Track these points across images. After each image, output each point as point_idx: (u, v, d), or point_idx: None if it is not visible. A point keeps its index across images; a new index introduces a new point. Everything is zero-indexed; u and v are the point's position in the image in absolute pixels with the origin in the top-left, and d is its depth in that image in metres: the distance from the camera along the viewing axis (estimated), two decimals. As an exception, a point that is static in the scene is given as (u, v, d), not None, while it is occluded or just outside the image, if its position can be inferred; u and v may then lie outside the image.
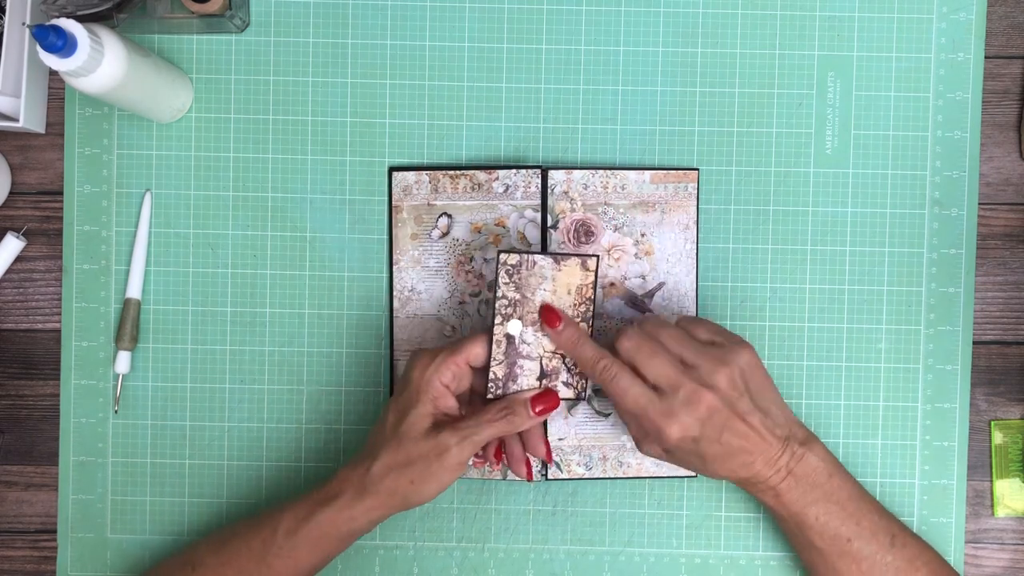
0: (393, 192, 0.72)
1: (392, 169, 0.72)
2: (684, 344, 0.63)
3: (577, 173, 0.71)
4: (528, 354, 0.65)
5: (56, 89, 0.73)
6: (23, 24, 0.69)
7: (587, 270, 0.65)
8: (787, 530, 0.66)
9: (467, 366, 0.64)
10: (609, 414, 0.72)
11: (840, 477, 0.65)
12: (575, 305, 0.65)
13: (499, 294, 0.64)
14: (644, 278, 0.72)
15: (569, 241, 0.71)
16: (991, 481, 0.73)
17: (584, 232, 0.72)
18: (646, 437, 0.64)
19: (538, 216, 0.72)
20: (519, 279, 0.65)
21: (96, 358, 0.73)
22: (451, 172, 0.72)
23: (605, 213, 0.71)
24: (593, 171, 0.71)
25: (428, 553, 0.73)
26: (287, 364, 0.73)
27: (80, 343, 0.73)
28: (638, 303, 0.71)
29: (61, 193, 0.73)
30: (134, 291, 0.72)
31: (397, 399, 0.65)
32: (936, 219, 0.72)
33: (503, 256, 0.64)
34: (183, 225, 0.73)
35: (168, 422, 0.73)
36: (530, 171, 0.72)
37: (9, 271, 0.73)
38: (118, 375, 0.72)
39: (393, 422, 0.64)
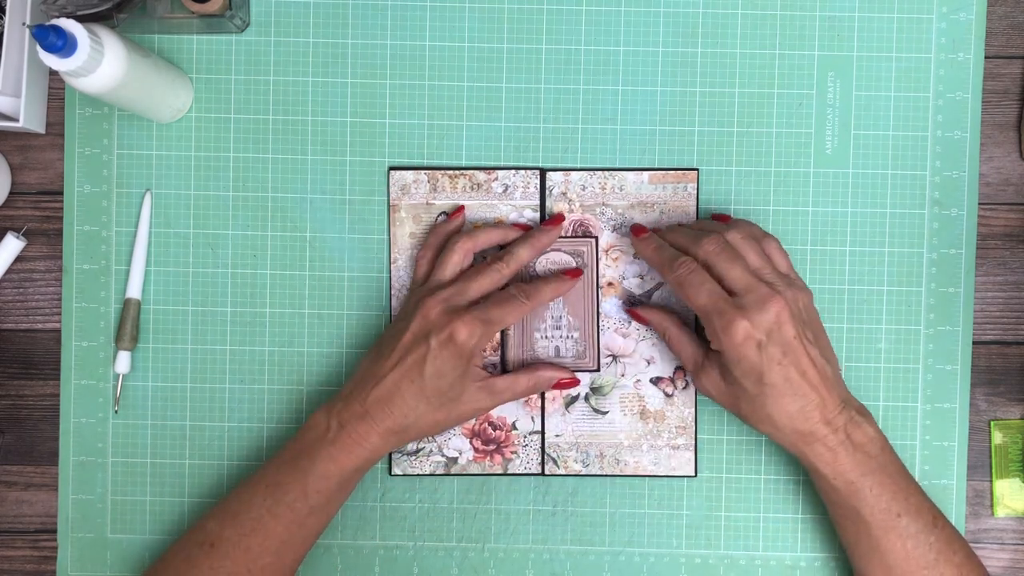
0: (391, 191, 0.72)
1: (391, 168, 0.72)
2: (761, 261, 0.65)
3: (575, 174, 0.71)
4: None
5: (56, 89, 0.73)
6: (23, 24, 0.69)
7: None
8: (835, 499, 0.65)
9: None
10: (607, 412, 0.72)
11: (891, 452, 0.65)
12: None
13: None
14: (642, 278, 0.72)
15: None
16: (991, 481, 0.73)
17: (582, 233, 0.72)
18: (714, 336, 0.64)
19: (537, 216, 0.72)
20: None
21: (96, 358, 0.73)
22: (450, 172, 0.72)
23: (603, 214, 0.72)
24: (591, 172, 0.71)
25: (428, 553, 0.73)
26: (287, 364, 0.73)
27: (80, 343, 0.73)
28: (636, 303, 0.72)
29: (61, 193, 0.73)
30: (134, 291, 0.72)
31: (439, 354, 0.65)
32: (936, 219, 0.72)
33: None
34: (183, 225, 0.73)
35: (168, 422, 0.73)
36: (529, 171, 0.72)
37: (9, 271, 0.73)
38: (118, 375, 0.72)
39: (433, 374, 0.65)
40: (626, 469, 0.72)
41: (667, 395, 0.72)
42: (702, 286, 0.64)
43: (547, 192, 0.71)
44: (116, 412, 0.73)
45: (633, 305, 0.71)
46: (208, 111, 0.73)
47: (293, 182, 0.73)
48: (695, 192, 0.72)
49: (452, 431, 0.72)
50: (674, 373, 0.72)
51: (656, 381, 0.72)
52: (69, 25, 0.58)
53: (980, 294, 0.73)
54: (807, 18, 0.72)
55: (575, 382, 0.70)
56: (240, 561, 0.65)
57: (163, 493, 0.73)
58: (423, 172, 0.72)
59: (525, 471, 0.72)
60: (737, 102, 0.72)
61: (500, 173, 0.72)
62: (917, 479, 0.72)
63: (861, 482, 0.64)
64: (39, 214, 0.74)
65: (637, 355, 0.72)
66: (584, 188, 0.71)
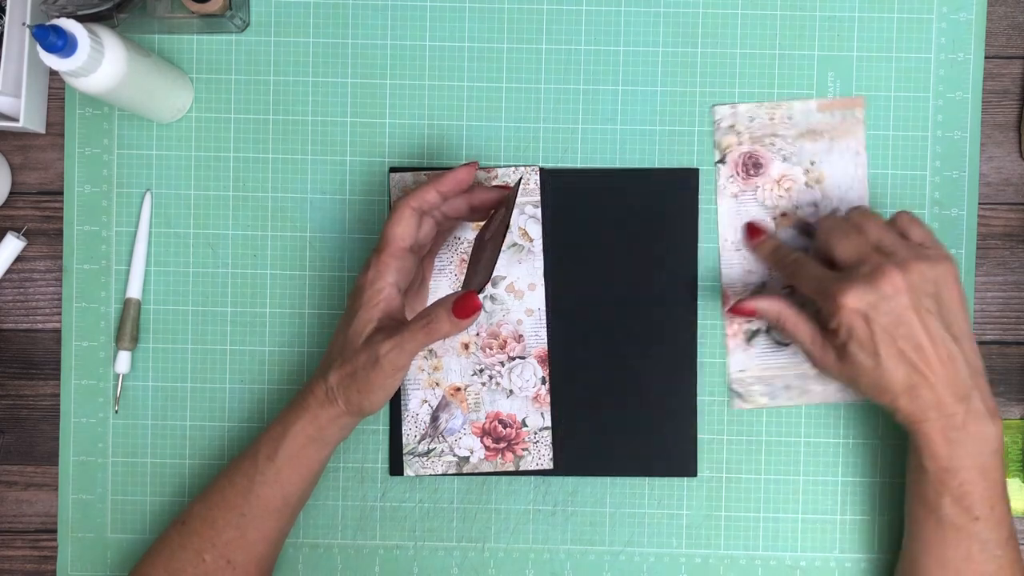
0: (392, 193, 0.72)
1: (391, 170, 0.72)
2: (885, 232, 0.63)
3: (742, 106, 0.71)
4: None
5: (56, 89, 0.73)
6: (23, 24, 0.69)
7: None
8: (920, 480, 0.63)
9: (409, 254, 0.64)
10: (788, 343, 0.71)
11: (1000, 460, 0.62)
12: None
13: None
14: (816, 206, 0.71)
15: (738, 174, 0.72)
16: (991, 481, 0.73)
17: (752, 164, 0.71)
18: (825, 314, 0.63)
19: (538, 212, 0.72)
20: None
21: (96, 358, 0.73)
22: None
23: (773, 144, 0.71)
24: (759, 104, 0.71)
25: (428, 553, 0.73)
26: (287, 364, 0.73)
27: (80, 343, 0.73)
28: (811, 231, 0.71)
29: (61, 193, 0.73)
30: (134, 291, 0.72)
31: (347, 308, 0.65)
32: (936, 219, 0.72)
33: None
34: (183, 225, 0.73)
35: (168, 422, 0.73)
36: (528, 168, 0.72)
37: (9, 271, 0.73)
38: (118, 375, 0.72)
39: (340, 328, 0.64)
40: (814, 398, 0.71)
41: None
42: (810, 269, 0.64)
43: (715, 126, 0.71)
44: (116, 412, 0.73)
45: (807, 234, 0.71)
46: (208, 111, 0.73)
47: (293, 182, 0.73)
48: (863, 118, 0.71)
49: (463, 431, 0.72)
50: None
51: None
52: (69, 25, 0.58)
53: (980, 294, 0.73)
54: (807, 18, 0.72)
55: (476, 304, 0.60)
56: (206, 536, 0.65)
57: (163, 493, 0.73)
58: (423, 173, 0.72)
59: (537, 467, 0.72)
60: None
61: (500, 171, 0.72)
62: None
63: (956, 472, 0.61)
64: (39, 214, 0.74)
65: None
66: (752, 119, 0.71)
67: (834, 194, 0.71)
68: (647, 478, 0.73)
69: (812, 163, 0.72)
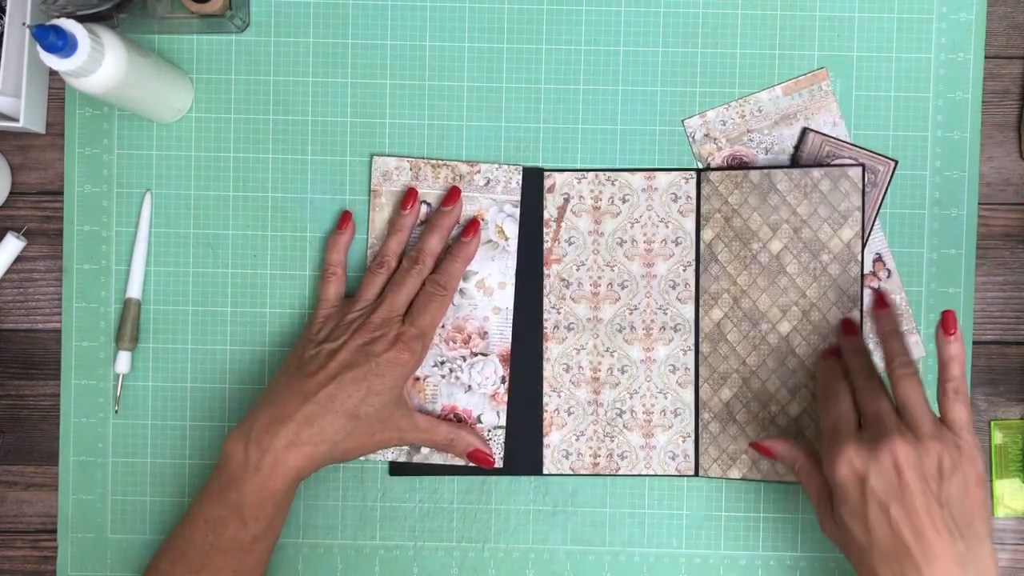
0: (372, 176, 0.72)
1: (374, 155, 0.72)
2: (925, 409, 0.59)
3: (711, 113, 0.71)
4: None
5: (56, 89, 0.73)
6: (23, 24, 0.69)
7: None
8: None
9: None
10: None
11: None
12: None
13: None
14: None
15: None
16: (991, 481, 0.73)
17: (738, 165, 0.72)
18: (825, 462, 0.60)
19: (517, 212, 0.72)
20: None
21: (96, 358, 0.73)
22: (433, 161, 0.72)
23: (751, 140, 0.71)
24: (726, 105, 0.71)
25: (428, 553, 0.73)
26: (287, 364, 0.73)
27: (80, 343, 0.73)
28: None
29: (61, 193, 0.73)
30: (134, 291, 0.72)
31: (381, 373, 0.65)
32: (936, 219, 0.72)
33: None
34: (183, 225, 0.73)
35: (168, 422, 0.73)
36: (512, 167, 0.72)
37: (9, 271, 0.73)
38: (118, 375, 0.72)
39: (370, 393, 0.65)
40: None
41: (874, 289, 0.71)
42: (837, 408, 0.61)
43: (690, 138, 0.71)
44: (116, 412, 0.73)
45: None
46: (208, 111, 0.73)
47: (293, 182, 0.73)
48: (831, 88, 0.71)
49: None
50: (874, 265, 0.72)
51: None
52: (69, 25, 0.58)
53: (980, 294, 0.73)
54: (807, 18, 0.72)
55: (490, 463, 0.70)
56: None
57: (163, 493, 0.73)
58: (406, 160, 0.72)
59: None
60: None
61: (483, 166, 0.72)
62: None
63: None
64: (39, 214, 0.74)
65: None
66: (724, 123, 0.71)
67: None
68: (647, 478, 0.73)
69: (795, 147, 0.72)
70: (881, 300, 0.67)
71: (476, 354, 0.72)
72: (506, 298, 0.72)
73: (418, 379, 0.72)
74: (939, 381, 0.60)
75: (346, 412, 0.64)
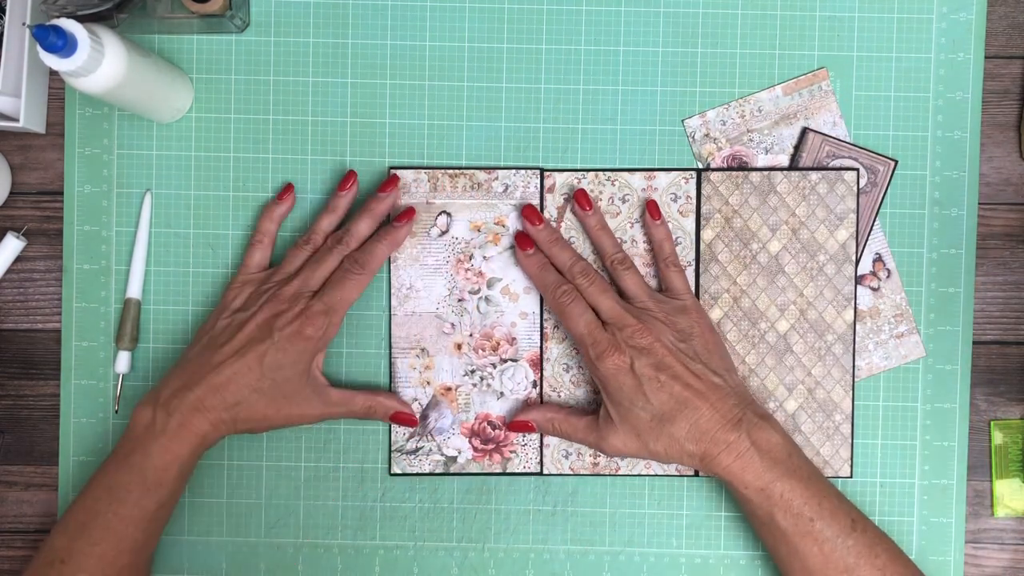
0: None
1: (391, 168, 0.72)
2: (639, 290, 0.68)
3: (711, 112, 0.71)
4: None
5: (56, 89, 0.73)
6: (23, 24, 0.69)
7: None
8: (750, 510, 0.66)
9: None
10: None
11: (799, 457, 0.66)
12: None
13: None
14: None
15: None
16: (991, 481, 0.73)
17: (738, 165, 0.72)
18: (590, 365, 0.66)
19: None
20: None
21: (96, 358, 0.73)
22: (450, 171, 0.72)
23: (751, 140, 0.72)
24: (726, 105, 0.71)
25: (428, 553, 0.73)
26: (287, 364, 0.73)
27: (80, 343, 0.73)
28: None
29: (61, 193, 0.73)
30: (134, 291, 0.72)
31: (284, 347, 0.66)
32: (936, 219, 0.72)
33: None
34: (183, 225, 0.73)
35: (168, 422, 0.73)
36: (529, 171, 0.72)
37: (9, 271, 0.73)
38: (118, 375, 0.72)
39: (273, 366, 0.66)
40: (860, 374, 0.71)
41: (873, 289, 0.72)
42: (581, 316, 0.67)
43: (690, 138, 0.71)
44: (116, 412, 0.73)
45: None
46: (208, 111, 0.73)
47: (293, 182, 0.73)
48: (830, 88, 0.71)
49: (451, 431, 0.72)
50: (873, 265, 0.72)
51: (860, 279, 0.72)
52: (69, 25, 0.58)
53: (980, 294, 0.73)
54: (807, 18, 0.72)
55: (414, 422, 0.71)
56: (95, 569, 0.63)
57: (163, 493, 0.73)
58: (423, 171, 0.72)
59: (524, 470, 0.72)
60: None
61: (501, 173, 0.72)
62: (917, 479, 0.72)
63: (771, 488, 0.64)
64: (39, 214, 0.74)
65: None
66: (724, 123, 0.71)
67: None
68: (647, 478, 0.73)
69: (795, 146, 0.72)
70: (523, 242, 0.70)
71: (506, 360, 0.72)
72: (532, 303, 0.72)
73: (449, 389, 0.72)
74: (656, 259, 0.70)
75: (248, 385, 0.65)
